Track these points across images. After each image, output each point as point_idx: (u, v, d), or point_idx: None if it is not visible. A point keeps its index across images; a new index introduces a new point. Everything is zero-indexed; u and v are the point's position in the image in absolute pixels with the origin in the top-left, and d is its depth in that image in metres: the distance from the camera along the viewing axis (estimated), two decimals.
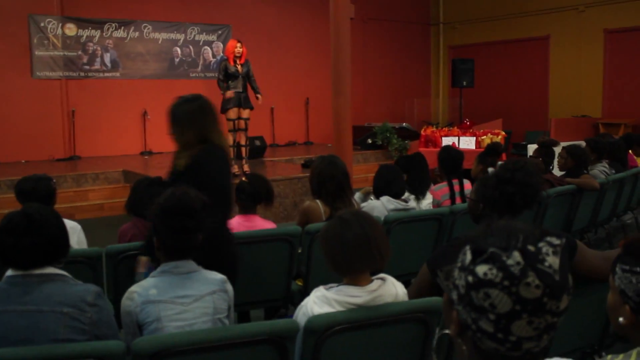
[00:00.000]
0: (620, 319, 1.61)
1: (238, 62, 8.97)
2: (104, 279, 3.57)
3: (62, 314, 2.24)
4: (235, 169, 9.15)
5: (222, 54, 13.24)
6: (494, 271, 1.10)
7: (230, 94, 8.78)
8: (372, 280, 2.45)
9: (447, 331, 1.24)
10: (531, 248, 1.10)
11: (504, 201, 2.61)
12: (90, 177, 10.05)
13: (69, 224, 3.83)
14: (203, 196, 2.52)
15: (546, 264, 1.09)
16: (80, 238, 3.90)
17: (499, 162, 2.77)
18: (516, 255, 1.09)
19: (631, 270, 1.58)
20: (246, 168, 9.17)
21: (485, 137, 10.79)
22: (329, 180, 4.08)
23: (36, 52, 11.88)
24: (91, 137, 12.39)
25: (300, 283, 4.20)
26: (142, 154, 12.86)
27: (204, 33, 13.76)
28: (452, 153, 5.21)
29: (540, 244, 1.11)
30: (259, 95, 9.06)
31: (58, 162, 11.83)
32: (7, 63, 11.57)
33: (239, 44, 8.99)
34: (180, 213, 2.44)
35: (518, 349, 1.11)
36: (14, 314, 2.21)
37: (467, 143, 10.84)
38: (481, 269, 1.11)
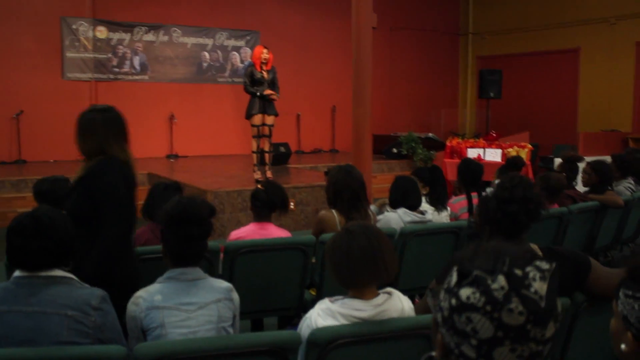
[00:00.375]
0: (623, 346, 1.56)
1: (264, 68, 8.95)
2: None
3: (66, 316, 2.25)
4: (257, 175, 9.18)
5: (249, 60, 13.30)
6: (477, 295, 1.07)
7: (269, 91, 8.79)
8: (378, 294, 2.41)
9: (433, 353, 1.22)
10: (518, 272, 1.07)
11: (508, 221, 2.57)
12: None
13: None
14: (210, 204, 2.52)
15: (532, 289, 1.06)
16: None
17: (496, 181, 2.71)
18: (501, 280, 1.06)
19: (634, 296, 1.52)
20: (269, 174, 9.18)
21: (511, 149, 10.67)
22: (345, 190, 4.06)
23: (67, 54, 12.08)
24: None
25: (313, 293, 4.17)
26: (167, 157, 12.98)
27: (233, 38, 13.86)
28: (472, 166, 5.15)
29: (528, 268, 1.08)
30: (277, 94, 8.98)
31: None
32: (39, 64, 11.79)
33: (265, 50, 8.98)
34: (186, 220, 2.44)
35: None
36: (19, 314, 2.23)
37: (492, 155, 10.72)
38: (464, 292, 1.08)
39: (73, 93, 12.12)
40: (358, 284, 2.38)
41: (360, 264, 2.34)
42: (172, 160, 12.75)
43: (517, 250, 1.12)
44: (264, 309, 4.08)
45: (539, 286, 1.06)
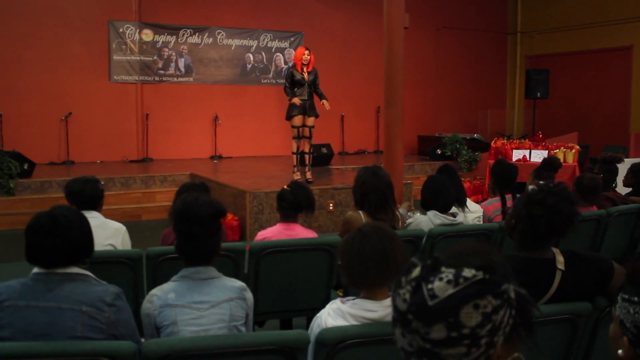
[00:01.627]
0: (619, 352, 1.52)
1: (305, 69, 8.95)
2: (144, 280, 3.66)
3: (80, 312, 2.30)
4: (297, 176, 9.19)
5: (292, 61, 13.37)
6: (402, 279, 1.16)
7: (297, 100, 8.78)
8: (390, 295, 2.39)
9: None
10: (443, 269, 1.10)
11: (529, 222, 2.46)
12: (158, 179, 10.34)
13: (114, 225, 3.96)
14: (217, 204, 2.53)
15: (429, 286, 1.09)
16: (125, 239, 3.99)
17: (540, 182, 2.60)
18: (417, 269, 1.12)
19: (629, 299, 1.48)
20: (308, 175, 9.19)
21: (558, 150, 10.45)
22: (372, 191, 4.03)
23: (114, 57, 12.37)
24: (163, 140, 12.76)
25: (340, 294, 4.16)
26: (211, 158, 13.15)
27: (277, 40, 13.95)
28: (505, 167, 5.05)
29: (449, 270, 1.10)
30: (324, 101, 8.96)
31: (131, 163, 12.23)
32: (86, 67, 12.11)
33: (307, 52, 8.96)
34: (186, 218, 2.47)
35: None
36: (36, 309, 2.29)
37: (539, 156, 10.52)
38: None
39: (119, 95, 12.42)
40: (369, 285, 2.37)
41: (371, 265, 2.33)
42: (215, 161, 12.91)
43: (476, 252, 1.13)
44: (290, 309, 4.09)
45: (439, 286, 1.08)
